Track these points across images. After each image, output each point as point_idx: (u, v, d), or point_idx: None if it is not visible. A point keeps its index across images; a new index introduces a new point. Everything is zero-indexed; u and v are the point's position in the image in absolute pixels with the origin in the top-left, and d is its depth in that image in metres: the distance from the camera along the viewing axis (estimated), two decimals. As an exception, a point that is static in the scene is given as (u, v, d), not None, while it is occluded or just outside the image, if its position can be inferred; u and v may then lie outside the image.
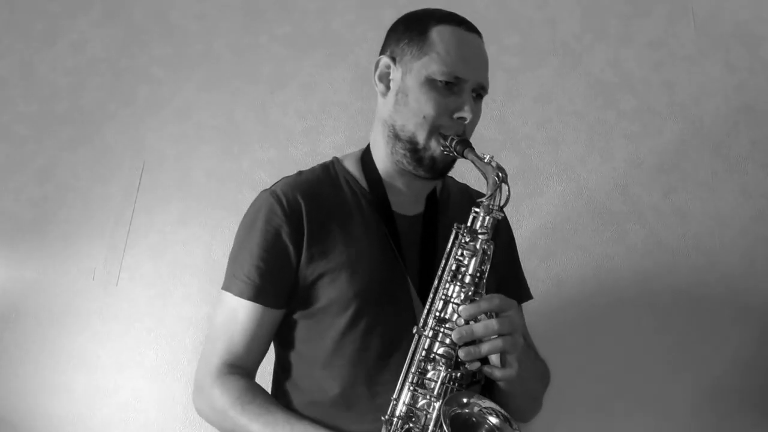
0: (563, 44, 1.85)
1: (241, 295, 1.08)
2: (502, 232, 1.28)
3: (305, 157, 1.76)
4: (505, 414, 0.94)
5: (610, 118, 1.78)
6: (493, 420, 0.93)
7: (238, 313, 1.08)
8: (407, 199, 1.17)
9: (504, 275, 1.15)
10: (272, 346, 1.17)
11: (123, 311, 1.65)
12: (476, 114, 1.12)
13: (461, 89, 1.08)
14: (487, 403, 0.94)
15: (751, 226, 1.69)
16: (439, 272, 1.01)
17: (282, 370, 1.14)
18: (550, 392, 1.20)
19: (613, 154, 1.76)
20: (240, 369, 1.08)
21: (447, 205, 1.22)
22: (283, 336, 1.13)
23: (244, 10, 1.91)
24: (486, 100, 1.17)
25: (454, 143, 1.05)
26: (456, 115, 1.08)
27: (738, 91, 1.79)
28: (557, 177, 1.74)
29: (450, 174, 1.18)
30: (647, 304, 1.64)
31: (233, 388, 1.04)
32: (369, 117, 1.79)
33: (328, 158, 1.24)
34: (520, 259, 1.33)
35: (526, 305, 1.31)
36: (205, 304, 1.64)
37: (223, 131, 1.80)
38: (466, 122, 1.08)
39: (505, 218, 1.30)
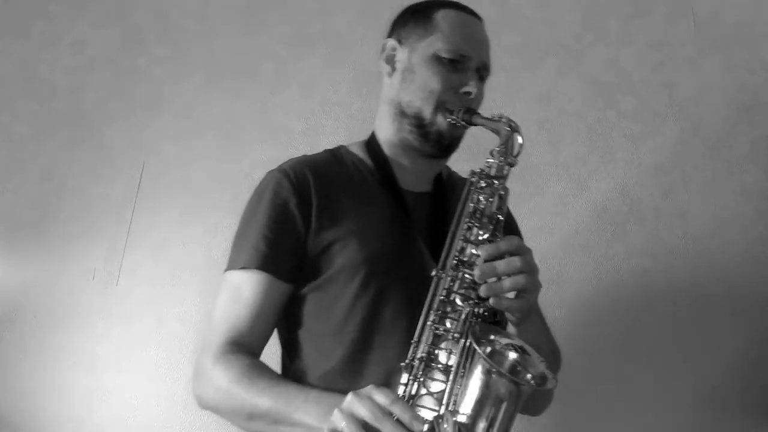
0: (563, 44, 1.85)
1: (247, 265, 1.05)
2: (507, 218, 1.30)
3: (305, 157, 1.76)
4: (524, 346, 0.91)
5: (610, 118, 1.78)
6: (513, 355, 0.90)
7: (243, 289, 1.05)
8: (414, 177, 1.18)
9: None
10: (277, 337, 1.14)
11: (123, 311, 1.65)
12: (480, 93, 1.14)
13: (465, 67, 1.11)
14: (509, 340, 0.91)
15: (751, 226, 1.69)
16: (457, 215, 1.01)
17: (289, 355, 1.11)
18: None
19: (613, 154, 1.76)
20: (244, 347, 1.03)
21: (453, 188, 1.23)
22: (291, 316, 1.10)
23: (244, 10, 1.91)
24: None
25: (461, 113, 1.08)
26: (462, 90, 1.11)
27: (738, 91, 1.79)
28: (557, 177, 1.74)
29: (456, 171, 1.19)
30: (647, 304, 1.64)
31: (238, 364, 0.99)
32: (369, 117, 1.78)
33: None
34: None
35: None
36: (205, 304, 1.64)
37: (223, 131, 1.80)
38: (471, 97, 1.11)
39: (507, 207, 1.32)
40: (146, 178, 1.76)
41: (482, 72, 1.15)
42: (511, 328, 1.01)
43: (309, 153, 1.74)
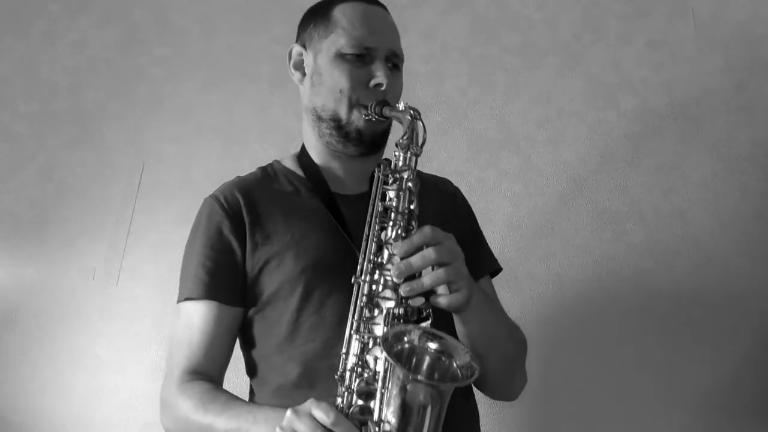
0: (563, 44, 1.85)
1: (191, 295, 1.07)
2: (459, 204, 1.27)
3: (305, 157, 1.76)
4: (440, 334, 0.88)
5: (610, 118, 1.78)
6: (433, 345, 0.88)
7: (193, 318, 1.07)
8: (348, 181, 1.16)
9: (468, 248, 1.05)
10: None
11: (123, 311, 1.65)
12: (395, 82, 1.11)
13: (372, 58, 1.09)
14: (421, 330, 0.89)
15: (751, 226, 1.69)
16: (368, 217, 0.98)
17: (249, 373, 1.13)
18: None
19: (613, 154, 1.76)
20: (201, 375, 1.05)
21: None
22: (244, 338, 1.12)
23: (244, 10, 1.91)
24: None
25: (373, 107, 1.06)
26: (372, 83, 1.08)
27: (738, 91, 1.79)
28: (557, 177, 1.74)
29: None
30: (647, 304, 1.64)
31: (195, 392, 1.02)
32: (369, 117, 1.79)
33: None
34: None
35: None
36: (205, 304, 1.64)
37: (223, 131, 1.80)
38: (382, 89, 1.08)
39: (458, 190, 1.30)
40: (146, 178, 1.76)
41: (393, 60, 1.12)
42: (455, 319, 0.99)
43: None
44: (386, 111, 1.04)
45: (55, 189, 1.75)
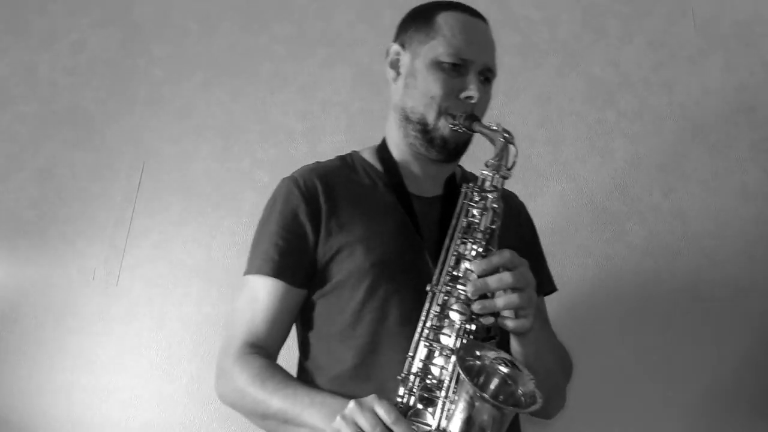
0: (563, 44, 1.85)
1: (260, 272, 1.09)
2: (523, 221, 1.31)
3: (305, 157, 1.74)
4: (513, 360, 0.92)
5: (610, 118, 1.78)
6: (502, 369, 0.92)
7: (259, 293, 1.09)
8: (424, 182, 1.19)
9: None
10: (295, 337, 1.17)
11: (123, 311, 1.65)
12: (485, 95, 1.14)
13: (467, 70, 1.11)
14: (496, 354, 0.93)
15: (751, 226, 1.69)
16: (450, 230, 1.02)
17: (303, 354, 1.14)
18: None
19: (613, 154, 1.76)
20: (260, 349, 1.07)
21: None
22: (303, 318, 1.14)
23: (244, 10, 1.91)
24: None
25: (462, 119, 1.08)
26: (463, 95, 1.11)
27: (738, 91, 1.79)
28: (557, 177, 1.74)
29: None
30: (647, 304, 1.64)
31: (253, 365, 1.04)
32: (369, 117, 1.79)
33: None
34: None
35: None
36: (205, 304, 1.64)
37: (223, 131, 1.80)
38: (473, 101, 1.11)
39: (523, 206, 1.34)
40: (146, 178, 1.76)
41: (486, 74, 1.14)
42: (513, 340, 1.02)
43: (309, 153, 1.76)
44: (476, 126, 1.07)
45: (55, 189, 1.75)
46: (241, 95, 1.83)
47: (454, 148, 1.14)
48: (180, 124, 1.81)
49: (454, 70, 1.10)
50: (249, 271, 1.12)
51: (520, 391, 0.90)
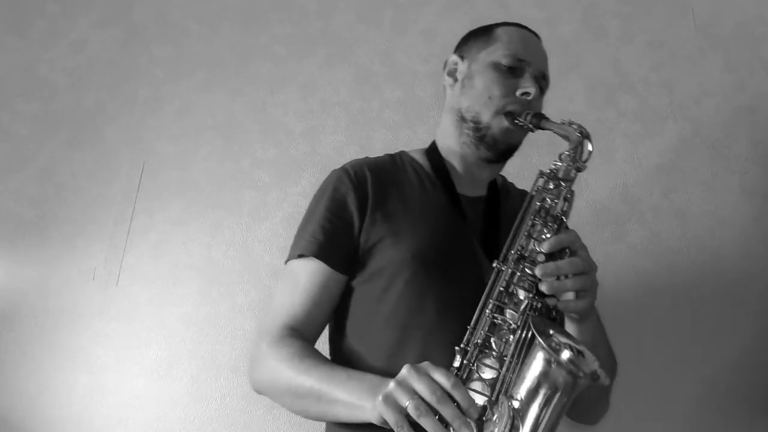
0: (563, 44, 1.85)
1: (305, 252, 1.09)
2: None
3: (305, 157, 1.76)
4: (581, 348, 0.91)
5: (610, 118, 1.78)
6: (568, 353, 0.91)
7: (300, 276, 1.09)
8: (469, 183, 1.21)
9: None
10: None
11: (123, 311, 1.64)
12: (539, 99, 1.18)
13: (523, 72, 1.15)
14: (565, 339, 0.92)
15: (751, 226, 1.69)
16: (522, 210, 1.04)
17: (337, 341, 1.13)
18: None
19: (613, 154, 1.76)
20: (298, 333, 1.05)
21: (507, 195, 1.27)
22: (340, 304, 1.12)
23: (244, 10, 1.91)
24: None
25: (529, 117, 1.10)
26: (519, 92, 1.14)
27: (738, 91, 1.79)
28: (557, 177, 1.74)
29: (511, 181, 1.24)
30: (647, 304, 1.64)
31: (290, 345, 1.01)
32: (369, 117, 1.79)
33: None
34: None
35: None
36: (205, 304, 1.64)
37: (223, 131, 1.80)
38: (529, 97, 1.13)
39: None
40: (146, 178, 1.76)
41: (540, 82, 1.18)
42: (569, 326, 1.04)
43: (309, 153, 1.77)
44: (545, 124, 1.09)
45: (55, 189, 1.75)
46: (241, 95, 1.83)
47: (504, 148, 1.18)
48: (180, 124, 1.81)
49: (511, 72, 1.15)
50: (292, 255, 1.12)
51: (582, 372, 0.87)
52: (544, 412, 0.83)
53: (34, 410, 1.58)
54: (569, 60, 1.83)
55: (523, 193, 1.33)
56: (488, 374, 0.91)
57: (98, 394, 1.58)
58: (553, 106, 1.79)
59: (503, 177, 1.33)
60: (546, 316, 0.96)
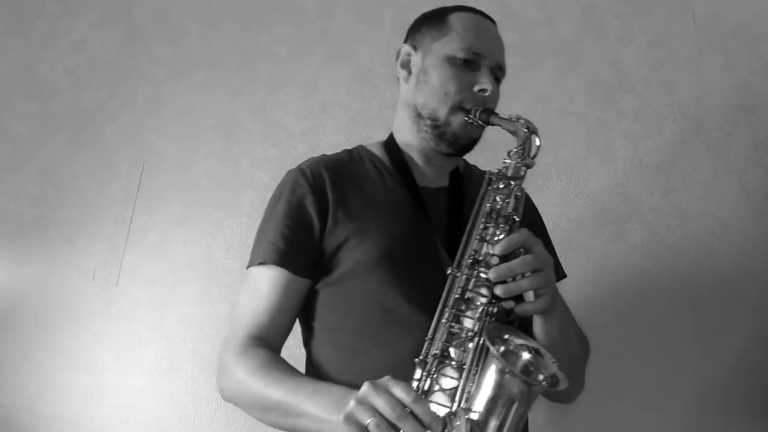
0: (563, 44, 1.85)
1: (265, 260, 1.08)
2: (527, 212, 1.30)
3: (305, 157, 1.72)
4: (538, 347, 0.91)
5: (610, 118, 1.78)
6: (526, 355, 0.90)
7: (262, 284, 1.07)
8: (429, 174, 1.19)
9: None
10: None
11: (123, 311, 1.64)
12: (495, 93, 1.15)
13: (480, 65, 1.12)
14: (521, 340, 0.92)
15: (751, 226, 1.69)
16: (473, 214, 1.02)
17: (309, 346, 1.13)
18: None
19: (613, 154, 1.76)
20: (264, 342, 1.05)
21: (470, 179, 1.24)
22: (307, 309, 1.12)
23: (244, 10, 1.91)
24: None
25: (478, 113, 1.08)
26: (476, 88, 1.11)
27: (738, 91, 1.79)
28: (557, 177, 1.74)
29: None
30: (647, 304, 1.64)
31: (255, 357, 1.01)
32: (369, 117, 1.80)
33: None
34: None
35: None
36: (205, 304, 1.64)
37: (223, 131, 1.80)
38: (486, 94, 1.11)
39: (529, 199, 1.32)
40: (146, 178, 1.76)
41: (497, 72, 1.15)
42: (535, 320, 1.02)
43: (309, 153, 1.75)
44: (494, 119, 1.07)
45: (55, 189, 1.75)
46: (241, 95, 1.83)
47: (466, 144, 1.15)
48: (180, 124, 1.81)
49: (466, 65, 1.11)
50: (253, 262, 1.11)
51: (541, 376, 0.88)
52: (503, 422, 0.83)
53: (34, 410, 1.58)
54: (569, 60, 1.83)
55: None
56: (448, 385, 0.90)
57: (98, 394, 1.58)
58: (553, 106, 1.80)
59: (465, 161, 1.29)
60: (503, 320, 0.95)
